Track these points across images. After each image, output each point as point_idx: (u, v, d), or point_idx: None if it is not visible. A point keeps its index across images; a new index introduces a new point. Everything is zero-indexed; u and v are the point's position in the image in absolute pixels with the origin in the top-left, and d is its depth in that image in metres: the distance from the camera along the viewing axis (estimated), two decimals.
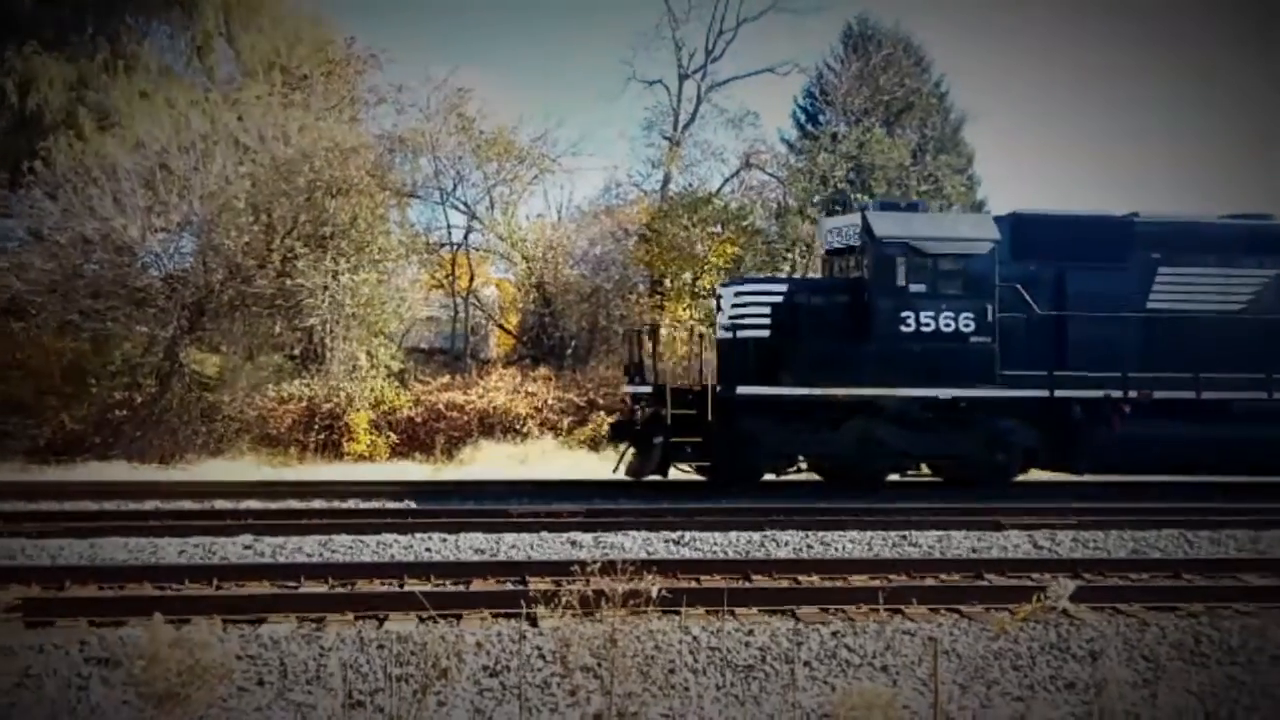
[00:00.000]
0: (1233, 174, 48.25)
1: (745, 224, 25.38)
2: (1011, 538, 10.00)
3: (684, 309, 24.82)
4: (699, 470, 14.04)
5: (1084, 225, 14.67)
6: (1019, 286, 13.80)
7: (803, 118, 31.23)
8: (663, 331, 15.54)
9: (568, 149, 25.74)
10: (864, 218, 14.10)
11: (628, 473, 13.78)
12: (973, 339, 13.62)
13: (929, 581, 7.96)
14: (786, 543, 9.64)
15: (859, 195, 25.82)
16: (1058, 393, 13.78)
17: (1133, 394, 13.92)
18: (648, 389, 14.02)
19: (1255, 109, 54.99)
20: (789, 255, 25.56)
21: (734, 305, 14.08)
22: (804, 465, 14.44)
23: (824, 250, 15.73)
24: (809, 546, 9.58)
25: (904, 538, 9.86)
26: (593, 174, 39.38)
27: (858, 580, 7.93)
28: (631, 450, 13.88)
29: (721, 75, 26.95)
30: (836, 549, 9.53)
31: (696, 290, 25.35)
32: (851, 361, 13.52)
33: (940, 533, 10.01)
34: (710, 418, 13.15)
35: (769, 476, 14.25)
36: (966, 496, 12.77)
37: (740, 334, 13.75)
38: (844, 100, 29.07)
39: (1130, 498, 13.06)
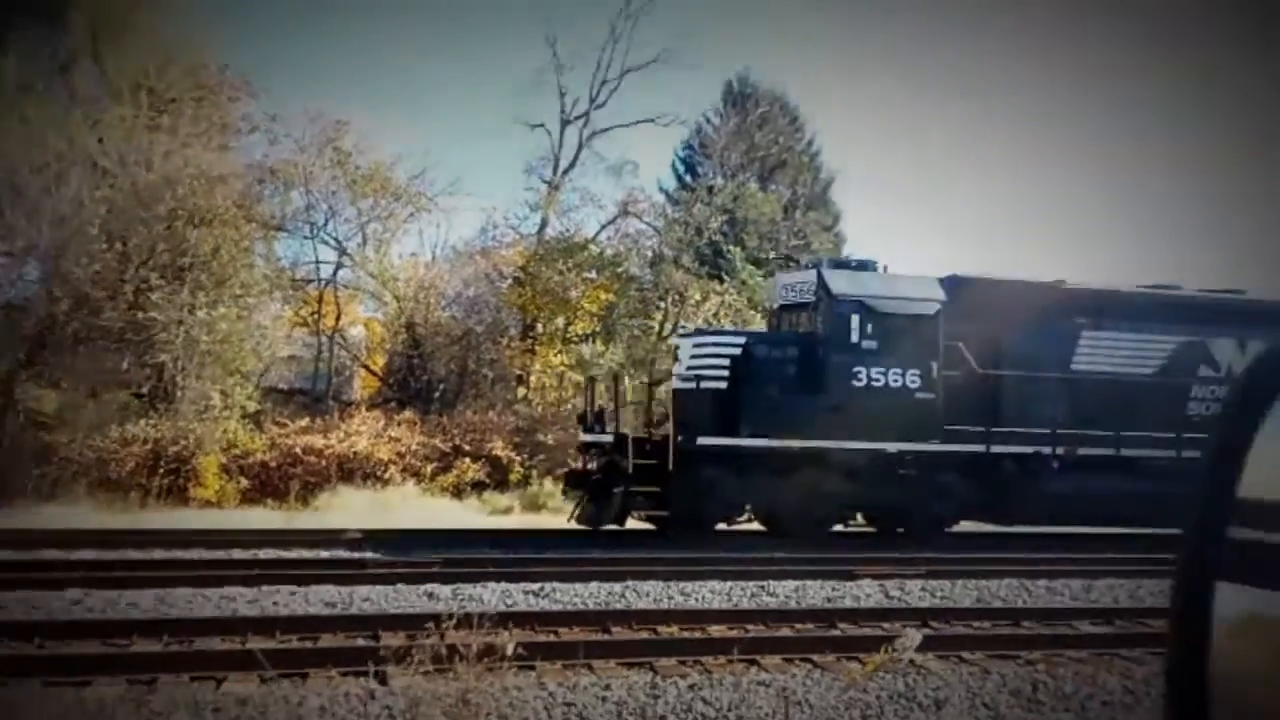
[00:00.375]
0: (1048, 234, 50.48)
1: (620, 270, 25.64)
2: (864, 587, 10.24)
3: (555, 354, 24.80)
4: (652, 520, 14.15)
5: (1016, 289, 15.13)
6: (960, 345, 14.33)
7: (681, 169, 31.87)
8: (626, 382, 15.64)
9: (445, 188, 25.50)
10: (820, 275, 14.53)
11: (581, 521, 13.82)
12: (918, 395, 14.17)
13: (784, 631, 8.06)
14: (648, 593, 9.63)
15: (731, 248, 26.45)
16: (993, 448, 14.44)
17: (1060, 450, 14.65)
18: (608, 438, 14.13)
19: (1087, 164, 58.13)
20: (662, 304, 25.92)
21: (693, 356, 14.25)
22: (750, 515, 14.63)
23: (776, 304, 16.04)
24: (669, 597, 9.59)
25: (762, 588, 9.96)
26: (470, 214, 38.97)
27: (716, 630, 7.97)
28: (586, 499, 13.92)
29: (603, 123, 27.08)
30: (696, 599, 9.58)
31: (568, 335, 25.37)
32: (807, 414, 13.77)
33: (797, 583, 10.17)
34: (671, 468, 13.33)
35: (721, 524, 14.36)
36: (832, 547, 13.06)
37: (701, 385, 13.89)
38: (721, 154, 29.85)
39: (973, 548, 13.54)
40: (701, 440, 13.47)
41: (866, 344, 14.03)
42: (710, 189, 27.90)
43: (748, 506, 14.42)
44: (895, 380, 14.10)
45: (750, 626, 8.10)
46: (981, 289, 14.90)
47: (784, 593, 9.81)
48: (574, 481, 14.86)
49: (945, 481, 14.43)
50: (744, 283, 25.27)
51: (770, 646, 7.41)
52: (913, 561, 11.47)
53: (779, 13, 45.71)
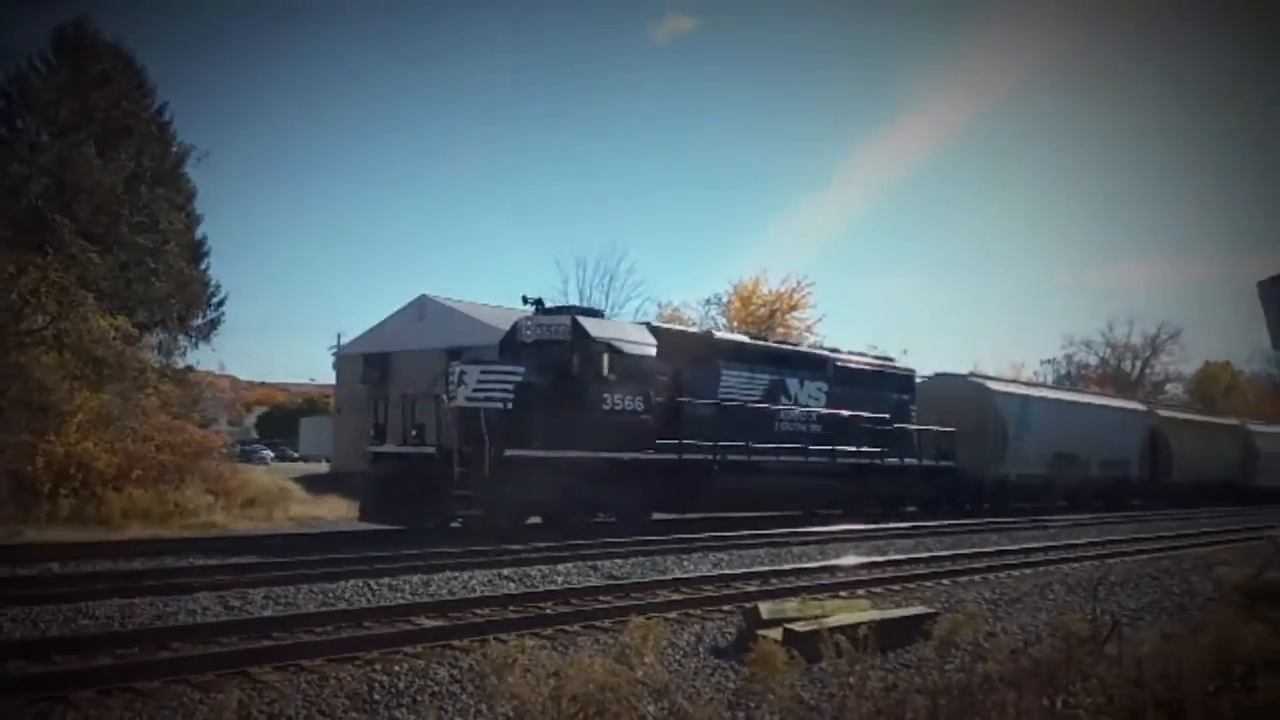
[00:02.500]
0: None
1: None
2: (201, 599, 9.58)
3: None
4: (466, 519, 16.32)
5: (687, 336, 21.29)
6: (663, 379, 18.92)
7: None
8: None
9: None
10: (576, 321, 18.16)
11: (392, 522, 16.41)
12: (641, 416, 18.27)
13: None
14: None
15: (58, 217, 23.22)
16: (685, 456, 19.02)
17: (718, 457, 19.56)
18: (431, 449, 16.66)
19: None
20: None
21: (479, 382, 16.63)
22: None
23: (527, 340, 18.57)
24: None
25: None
26: None
27: None
28: (402, 503, 16.28)
29: None
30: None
31: None
32: (571, 431, 17.01)
33: None
34: (487, 473, 15.64)
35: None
36: None
37: (487, 405, 16.24)
38: (48, 108, 26.03)
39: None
40: (508, 452, 15.91)
41: (610, 376, 17.78)
42: (33, 146, 24.22)
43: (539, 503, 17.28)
44: (628, 405, 18.09)
45: None
46: (669, 336, 20.06)
47: None
48: (382, 487, 16.95)
49: (655, 481, 18.59)
50: (73, 257, 22.27)
51: None
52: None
53: None
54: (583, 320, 18.24)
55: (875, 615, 7.68)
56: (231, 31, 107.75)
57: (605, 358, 17.76)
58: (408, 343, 44.71)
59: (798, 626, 7.75)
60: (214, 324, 30.93)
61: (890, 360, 27.63)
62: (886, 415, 24.43)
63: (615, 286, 38.22)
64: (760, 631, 7.69)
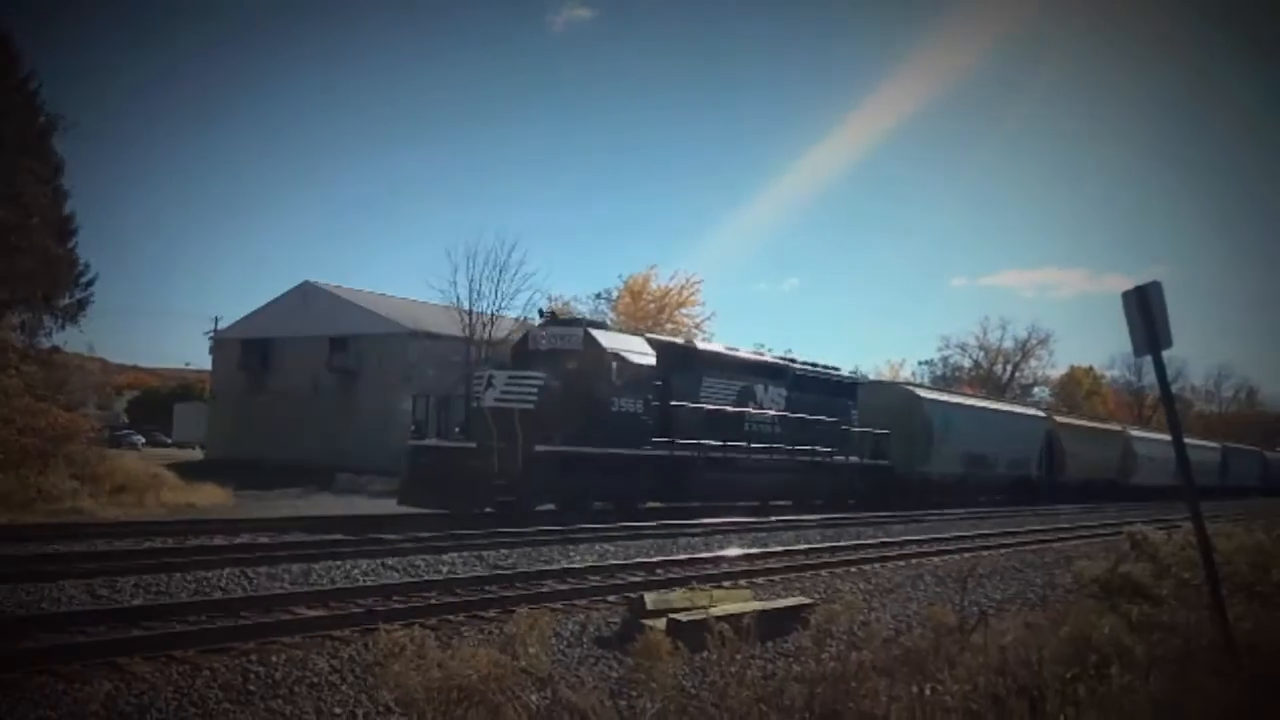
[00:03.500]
0: None
1: None
2: (67, 588, 9.17)
3: None
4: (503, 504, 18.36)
5: (675, 347, 23.54)
6: (658, 384, 21.39)
7: None
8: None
9: None
10: (588, 333, 20.88)
11: (437, 507, 18.18)
12: (641, 417, 20.79)
13: None
14: None
15: None
16: (676, 452, 21.54)
17: (702, 455, 22.15)
18: (471, 444, 18.74)
19: None
20: None
21: (506, 386, 19.01)
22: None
23: (540, 348, 20.81)
24: None
25: None
26: None
27: None
28: (441, 490, 18.30)
29: None
30: None
31: None
32: (589, 431, 19.55)
33: None
34: (520, 465, 18.06)
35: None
36: None
37: (519, 405, 18.51)
38: None
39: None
40: (538, 448, 18.29)
41: (618, 382, 20.26)
42: None
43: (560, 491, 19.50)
44: (631, 407, 20.58)
45: None
46: (660, 346, 22.45)
47: None
48: (424, 476, 18.86)
49: (648, 475, 21.21)
50: None
51: None
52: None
53: None
54: (594, 332, 21.13)
55: (757, 605, 7.86)
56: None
57: (614, 366, 20.35)
58: (290, 329, 43.55)
59: (681, 616, 7.87)
60: (82, 304, 29.36)
61: (838, 369, 30.52)
62: (835, 419, 27.31)
63: (505, 278, 37.94)
64: (645, 621, 7.79)
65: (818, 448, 26.05)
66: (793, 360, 27.95)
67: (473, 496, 18.16)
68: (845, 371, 31.27)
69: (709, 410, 22.80)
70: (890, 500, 28.46)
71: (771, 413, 25.14)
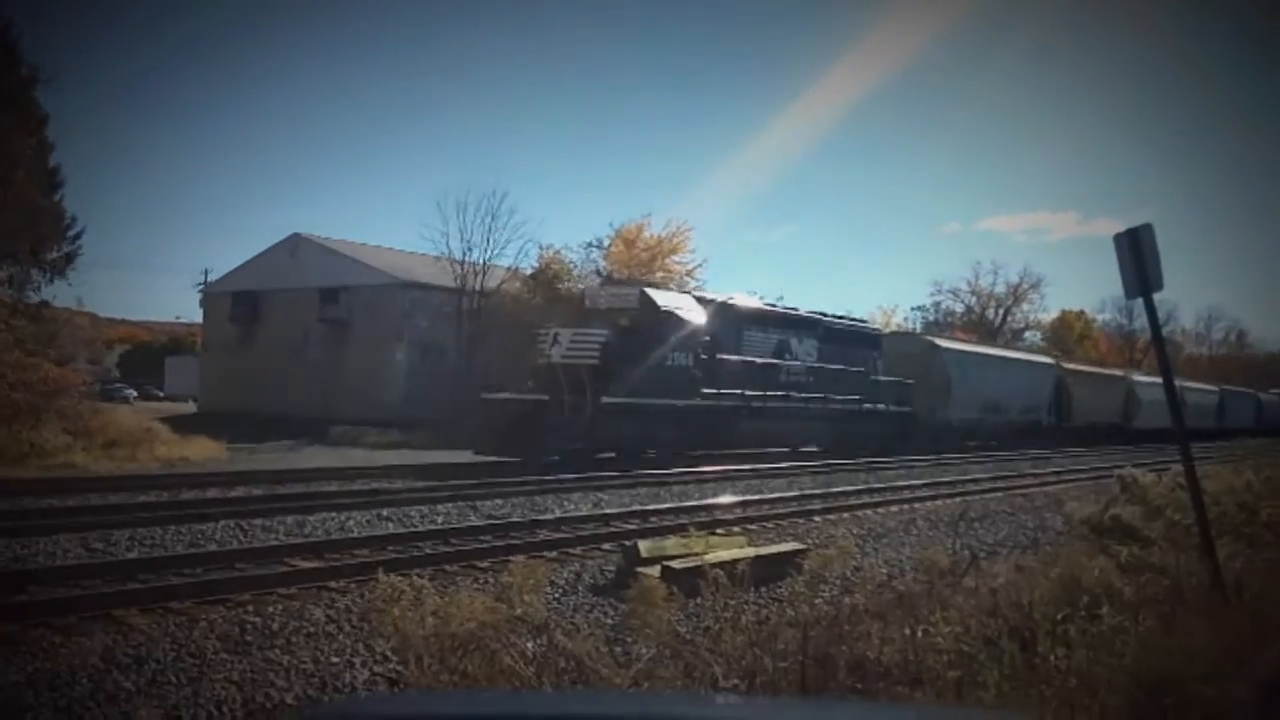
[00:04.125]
0: None
1: None
2: (62, 542, 9.18)
3: None
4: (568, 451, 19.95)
5: (719, 304, 24.60)
6: (706, 339, 22.91)
7: None
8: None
9: None
10: (645, 293, 22.84)
11: (512, 455, 19.67)
12: (691, 370, 22.40)
13: None
14: None
15: None
16: (722, 403, 22.99)
17: (744, 404, 23.67)
18: (544, 396, 20.64)
19: None
20: None
21: (571, 343, 20.84)
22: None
23: (600, 306, 23.18)
24: None
25: None
26: None
27: None
28: (515, 438, 19.98)
29: None
30: None
31: None
32: (646, 383, 20.93)
33: None
34: (589, 415, 19.97)
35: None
36: None
37: (585, 361, 20.49)
38: None
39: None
40: (605, 399, 20.05)
41: (673, 339, 21.85)
42: None
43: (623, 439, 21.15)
44: (683, 361, 22.18)
45: None
46: (706, 303, 24.02)
47: None
48: (498, 426, 20.61)
49: (698, 424, 22.53)
50: None
51: None
52: None
53: None
54: (650, 292, 23.17)
55: (750, 552, 7.90)
56: None
57: (668, 323, 22.04)
58: (279, 281, 43.27)
59: (675, 564, 7.92)
60: (70, 258, 29.07)
61: (864, 322, 32.75)
62: (862, 369, 28.98)
63: (497, 228, 37.71)
64: (640, 569, 7.84)
65: (849, 396, 27.83)
66: (823, 314, 29.56)
67: (547, 444, 19.91)
68: (869, 324, 33.27)
69: (749, 362, 24.41)
70: (913, 445, 29.55)
71: (805, 364, 26.75)
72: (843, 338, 29.01)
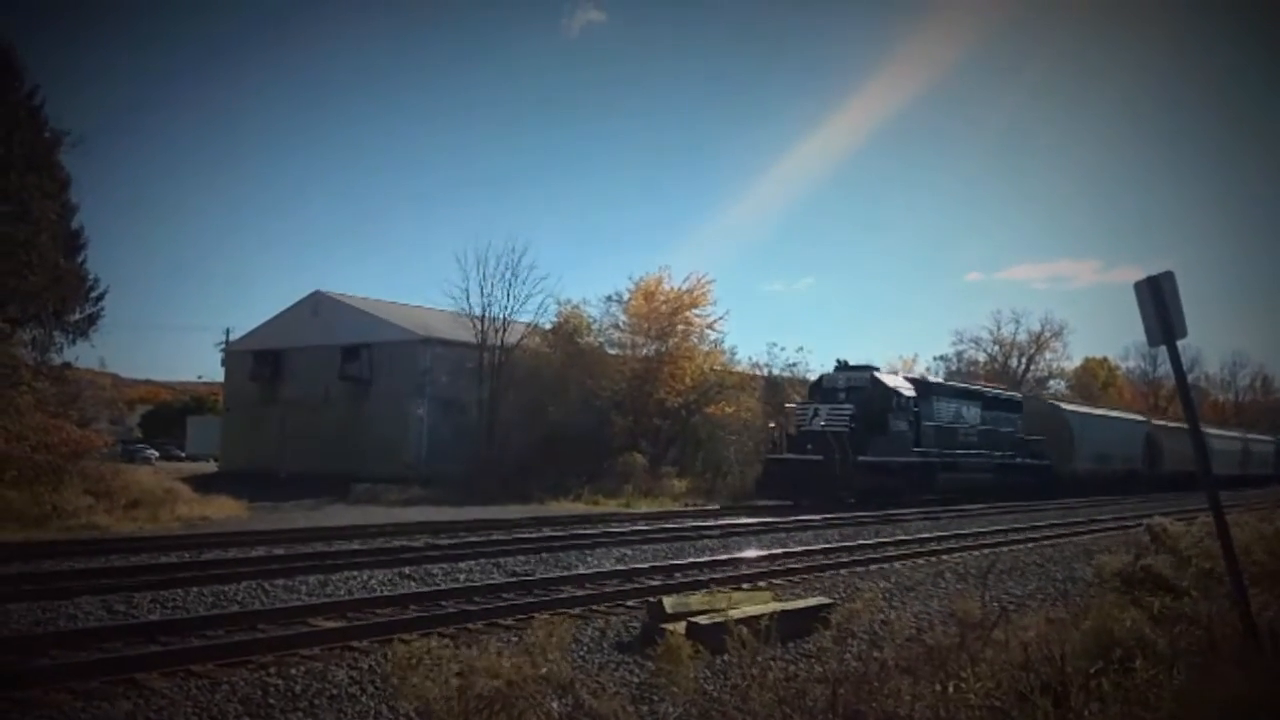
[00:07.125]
0: None
1: None
2: (84, 604, 9.18)
3: None
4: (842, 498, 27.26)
5: (918, 380, 33.03)
6: (916, 409, 30.18)
7: None
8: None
9: None
10: (875, 377, 30.20)
11: (792, 500, 26.89)
12: (906, 433, 29.68)
13: None
14: None
15: None
16: (925, 459, 30.22)
17: (939, 461, 30.90)
18: (820, 457, 26.83)
19: None
20: None
21: (829, 414, 28.22)
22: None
23: (835, 388, 29.92)
24: None
25: None
26: None
27: None
28: (795, 487, 27.37)
29: None
30: None
31: None
32: (883, 445, 28.33)
33: None
34: (852, 470, 26.85)
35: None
36: None
37: (845, 429, 27.57)
38: None
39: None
40: (860, 458, 27.03)
41: (895, 410, 29.18)
42: None
43: (871, 490, 27.40)
44: (901, 427, 29.45)
45: None
46: (913, 381, 32.09)
47: None
48: (783, 479, 27.96)
49: (912, 476, 29.49)
50: None
51: None
52: None
53: None
54: (878, 374, 30.44)
55: (776, 606, 7.82)
56: (110, 12, 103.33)
57: (894, 399, 29.32)
58: (301, 339, 43.55)
59: (701, 620, 7.82)
60: (93, 319, 29.42)
61: (1011, 391, 42.10)
62: (1011, 430, 36.53)
63: (518, 283, 37.93)
64: (664, 625, 7.76)
65: (1005, 453, 35.22)
66: (986, 386, 39.05)
67: (818, 491, 26.44)
68: (1012, 392, 42.16)
69: (940, 427, 31.58)
70: (1052, 493, 35.55)
71: (976, 426, 33.99)
72: (996, 403, 36.37)
